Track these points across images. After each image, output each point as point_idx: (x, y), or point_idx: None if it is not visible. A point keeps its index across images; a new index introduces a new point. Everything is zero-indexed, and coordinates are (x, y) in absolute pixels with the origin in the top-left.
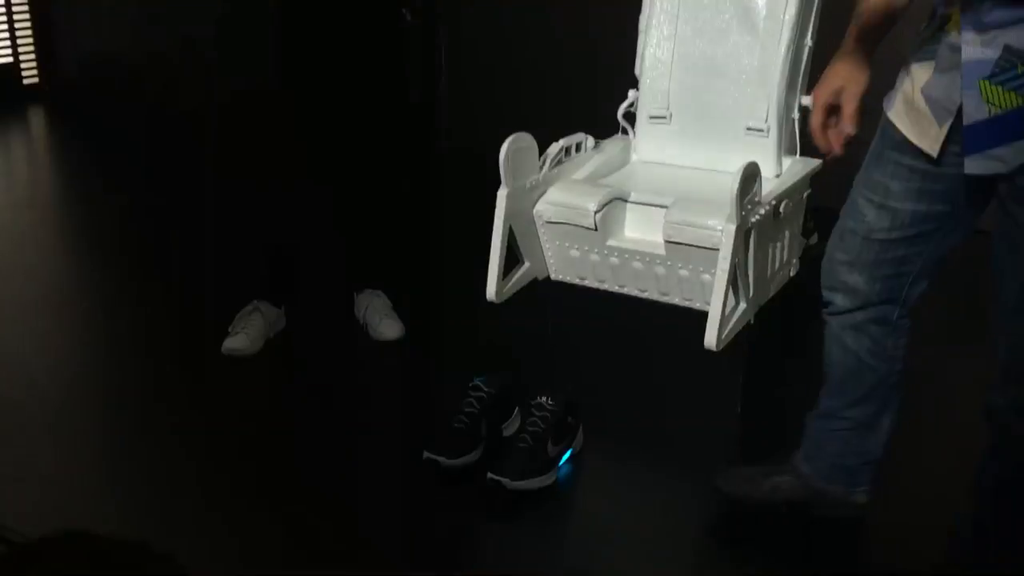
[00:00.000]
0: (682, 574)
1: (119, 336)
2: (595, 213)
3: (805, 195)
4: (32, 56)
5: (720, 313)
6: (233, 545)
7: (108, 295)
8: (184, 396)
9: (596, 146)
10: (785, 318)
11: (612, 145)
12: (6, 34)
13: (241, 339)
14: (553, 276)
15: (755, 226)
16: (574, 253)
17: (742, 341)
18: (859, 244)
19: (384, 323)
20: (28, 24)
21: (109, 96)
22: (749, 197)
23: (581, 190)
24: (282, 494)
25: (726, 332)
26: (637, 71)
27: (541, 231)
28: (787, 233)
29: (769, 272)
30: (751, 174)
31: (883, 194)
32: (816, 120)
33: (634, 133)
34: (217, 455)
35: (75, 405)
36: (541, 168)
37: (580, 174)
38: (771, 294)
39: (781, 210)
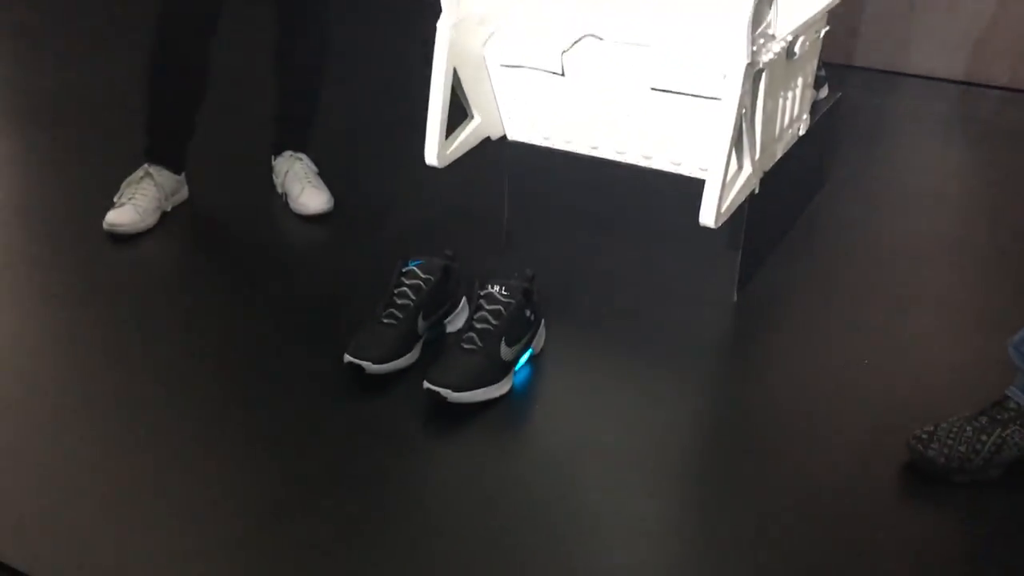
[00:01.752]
0: (665, 507)
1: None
2: (562, 54)
3: (822, 32)
4: None
5: (721, 180)
6: (119, 467)
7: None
8: (62, 284)
9: None
10: (791, 185)
11: None
12: None
13: (127, 212)
14: (510, 136)
15: (768, 67)
16: (535, 106)
17: (742, 214)
18: None
19: (307, 192)
20: None
21: None
22: (762, 28)
23: (544, 25)
24: (173, 408)
25: (727, 204)
26: None
27: (494, 77)
28: (800, 80)
29: (778, 129)
30: None
31: None
32: None
33: None
34: (103, 359)
35: None
36: None
37: (543, 7)
38: (778, 156)
39: (796, 49)
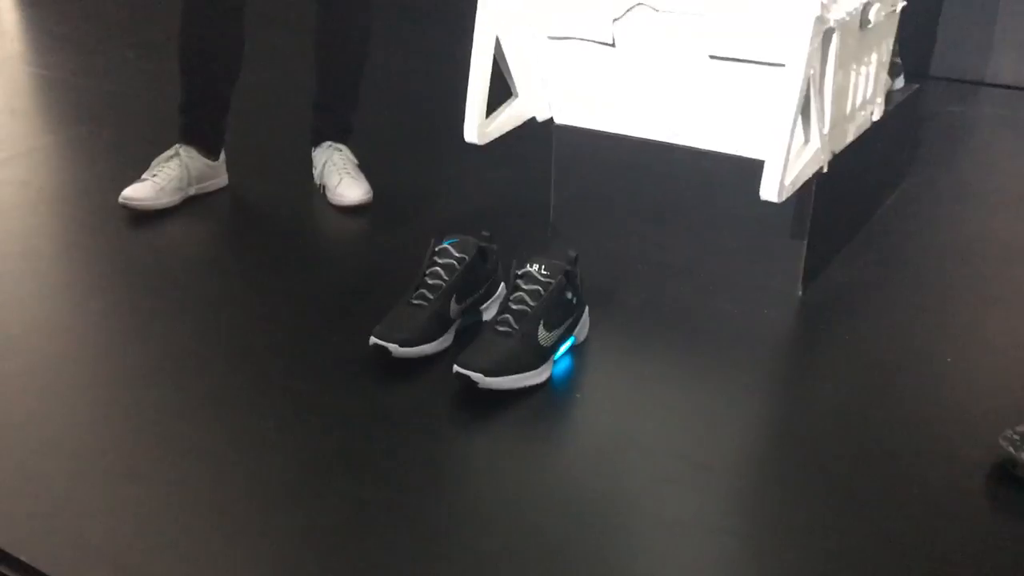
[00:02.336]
0: (713, 509)
1: (69, 188)
2: (613, 22)
3: (899, 7)
4: None
5: (786, 149)
6: (132, 448)
7: (57, 149)
8: (90, 268)
9: None
10: (865, 176)
11: None
12: None
13: (145, 187)
14: (556, 118)
15: (839, 28)
16: (584, 82)
17: (809, 197)
18: None
19: (344, 183)
20: None
21: None
22: None
23: None
24: (190, 389)
25: (791, 178)
26: None
27: (540, 51)
28: (874, 57)
29: (849, 107)
30: None
31: None
32: None
33: None
34: (123, 340)
35: None
36: None
37: None
38: (849, 139)
39: (871, 16)
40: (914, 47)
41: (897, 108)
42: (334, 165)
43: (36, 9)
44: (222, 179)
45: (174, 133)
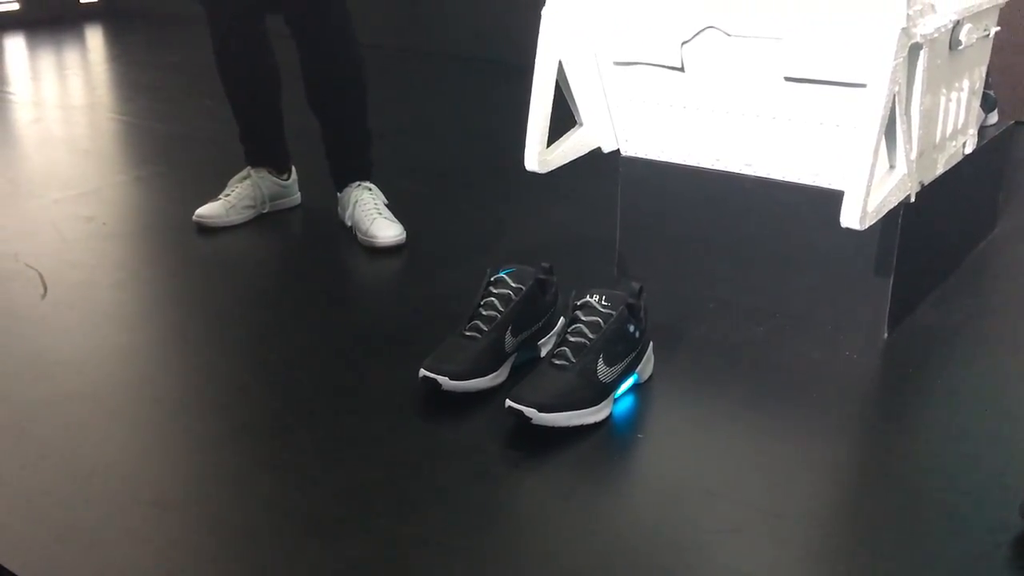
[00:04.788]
0: (792, 564)
1: (134, 223)
2: (682, 45)
3: (992, 32)
4: None
5: (869, 170)
6: (173, 475)
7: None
8: (137, 285)
9: None
10: (957, 214)
11: None
12: None
13: (216, 206)
14: (623, 148)
15: (928, 46)
16: (652, 111)
17: (895, 232)
18: None
19: (377, 223)
20: None
21: (168, 14)
22: None
23: (662, 17)
24: (233, 420)
25: (875, 204)
26: None
27: (606, 77)
28: (965, 83)
29: (939, 135)
30: None
31: None
32: None
33: None
34: (170, 364)
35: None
36: None
37: None
38: (939, 170)
39: (962, 37)
40: (1007, 89)
41: (991, 143)
42: (364, 205)
43: (123, 63)
44: (294, 197)
45: (242, 165)
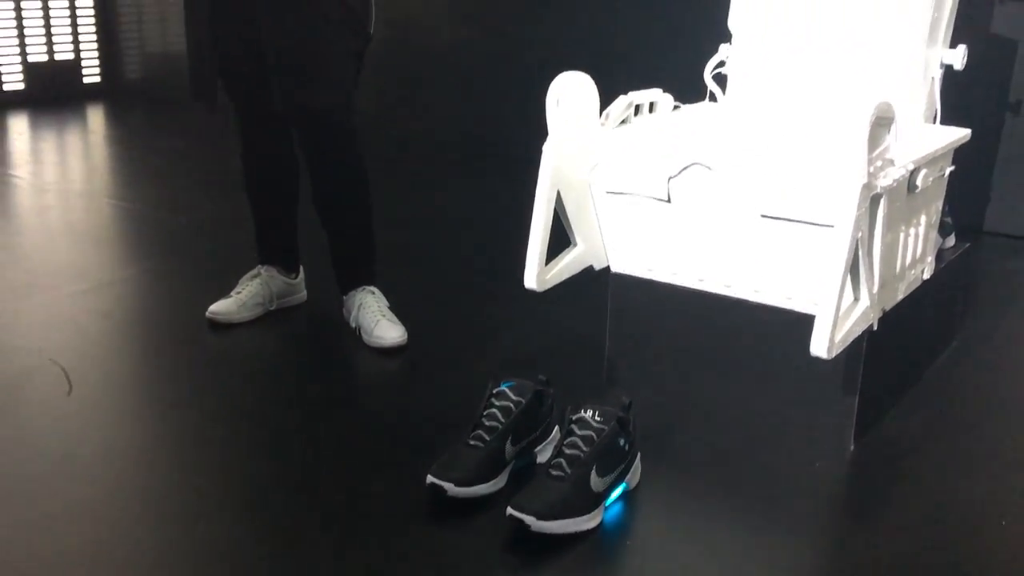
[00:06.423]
0: None
1: (148, 318)
2: (669, 180)
3: (947, 172)
4: (95, 55)
5: (835, 308)
6: None
7: (137, 280)
8: (156, 383)
9: (675, 109)
10: (916, 333)
11: (696, 110)
12: (68, 32)
13: (228, 303)
14: (613, 266)
15: (886, 193)
16: (640, 235)
17: (860, 353)
18: None
19: (381, 325)
20: (92, 23)
21: (169, 97)
22: (880, 151)
23: (652, 154)
24: (236, 526)
25: (841, 335)
26: (731, 22)
27: (599, 204)
28: (923, 219)
29: (899, 266)
30: (884, 118)
31: None
32: None
33: (725, 97)
34: (175, 468)
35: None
36: (602, 127)
37: (652, 137)
38: (899, 297)
39: (918, 182)
40: (968, 203)
41: (948, 266)
42: (368, 308)
43: (125, 146)
44: (301, 295)
45: (253, 259)
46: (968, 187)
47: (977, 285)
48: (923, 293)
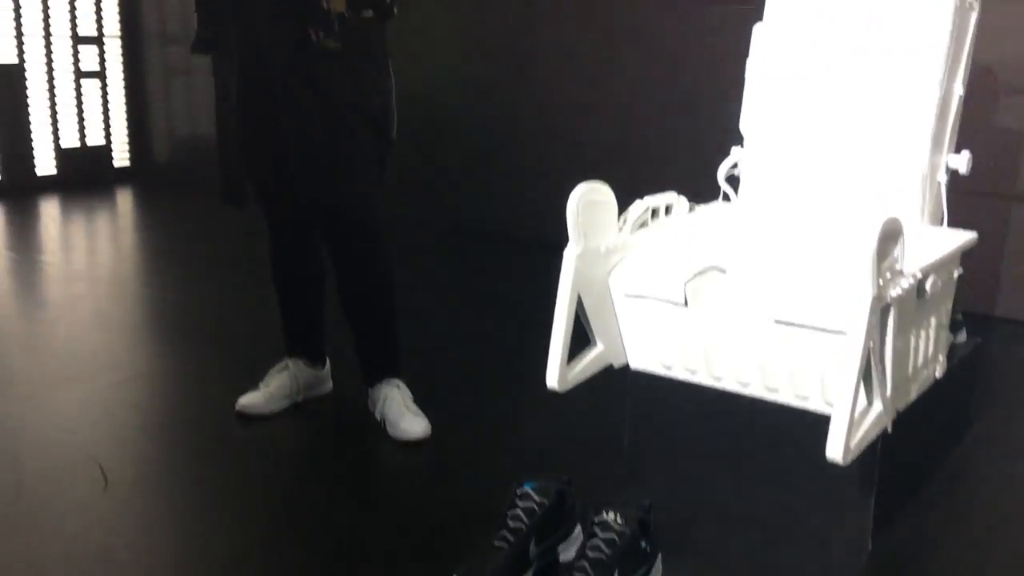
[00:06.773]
0: None
1: (180, 411)
2: (685, 284)
3: (956, 274)
4: (125, 139)
5: (849, 414)
6: None
7: (167, 371)
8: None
9: (691, 210)
10: (930, 430)
11: (710, 211)
12: (100, 116)
13: (257, 396)
14: (632, 365)
15: (896, 302)
16: (658, 335)
17: (875, 454)
18: None
19: (406, 419)
20: (123, 107)
21: (199, 181)
22: (888, 263)
23: (668, 257)
24: None
25: (856, 440)
26: (743, 125)
27: (618, 306)
28: (933, 321)
29: (911, 368)
30: (892, 232)
31: None
32: None
33: (738, 198)
34: (204, 557)
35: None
36: (620, 230)
37: (668, 241)
38: (912, 397)
39: (927, 287)
40: (979, 289)
41: (960, 362)
42: (393, 401)
43: (154, 232)
44: (327, 385)
45: (281, 349)
46: (980, 273)
47: (991, 374)
48: (935, 391)
